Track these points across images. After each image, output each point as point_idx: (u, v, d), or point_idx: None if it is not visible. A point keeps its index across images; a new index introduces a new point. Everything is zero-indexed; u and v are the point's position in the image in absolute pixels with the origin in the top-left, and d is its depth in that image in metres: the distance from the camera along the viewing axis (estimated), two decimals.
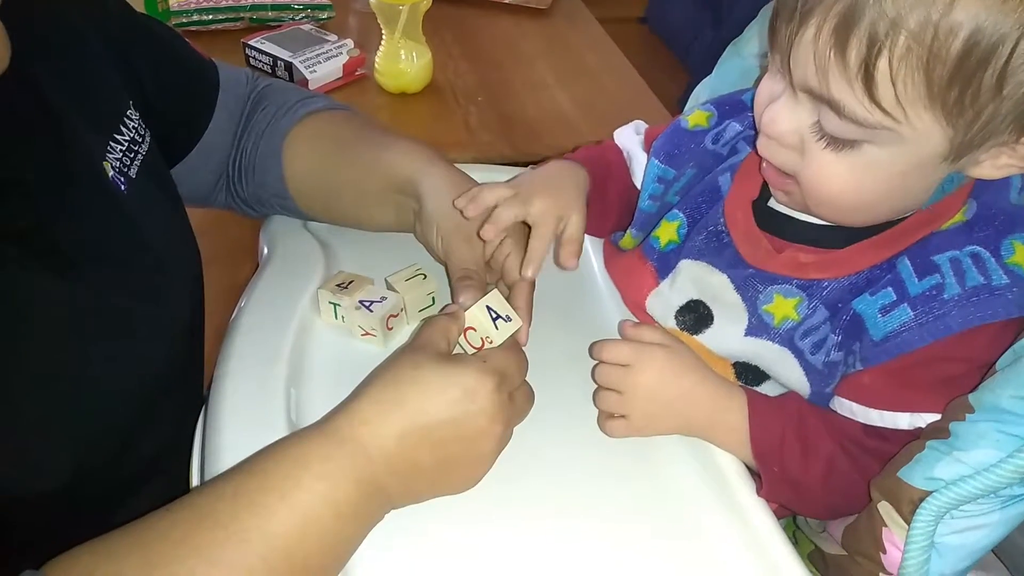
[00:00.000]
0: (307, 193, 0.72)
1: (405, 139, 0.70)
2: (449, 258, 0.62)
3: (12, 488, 0.50)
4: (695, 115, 0.68)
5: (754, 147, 0.62)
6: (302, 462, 0.44)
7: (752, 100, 0.57)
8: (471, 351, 0.55)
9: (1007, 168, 0.49)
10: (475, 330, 0.54)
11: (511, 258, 0.62)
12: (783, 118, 0.51)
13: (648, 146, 0.69)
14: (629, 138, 0.73)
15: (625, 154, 0.72)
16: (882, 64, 0.44)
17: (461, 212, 0.61)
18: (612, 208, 0.72)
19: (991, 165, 0.50)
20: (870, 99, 0.45)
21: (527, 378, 0.54)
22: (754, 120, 0.56)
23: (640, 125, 0.74)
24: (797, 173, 0.53)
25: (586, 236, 0.74)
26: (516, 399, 0.52)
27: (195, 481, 0.56)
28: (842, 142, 0.49)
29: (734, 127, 0.66)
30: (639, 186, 0.69)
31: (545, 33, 1.41)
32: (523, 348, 0.56)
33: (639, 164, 0.70)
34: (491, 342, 0.54)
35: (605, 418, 0.57)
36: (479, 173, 0.70)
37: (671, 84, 1.63)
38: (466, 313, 0.54)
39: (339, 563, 0.46)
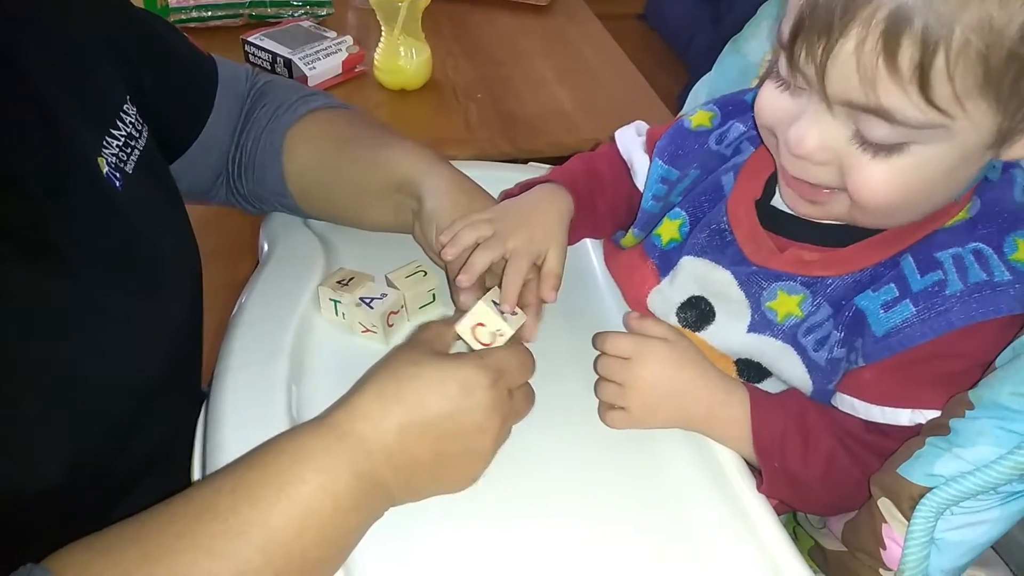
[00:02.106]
0: (306, 191, 0.72)
1: (405, 139, 0.70)
2: None
3: (11, 485, 0.49)
4: (698, 115, 0.67)
5: (757, 147, 0.62)
6: (302, 456, 0.45)
7: (754, 100, 0.56)
8: (479, 347, 0.55)
9: None
10: (484, 325, 0.54)
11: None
12: (812, 135, 0.49)
13: (650, 147, 0.69)
14: (630, 139, 0.72)
15: (625, 157, 0.72)
16: (939, 62, 0.43)
17: (439, 253, 0.61)
18: (604, 220, 0.71)
19: (1022, 145, 0.49)
20: (926, 101, 0.44)
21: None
22: (755, 122, 0.56)
23: (641, 126, 0.73)
24: (837, 185, 0.51)
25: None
26: (515, 397, 0.52)
27: (196, 477, 0.56)
28: (889, 148, 0.47)
29: (738, 128, 0.65)
30: (641, 188, 0.69)
31: (544, 30, 1.41)
32: (527, 346, 0.56)
33: (641, 166, 0.70)
34: (502, 335, 0.54)
35: (605, 409, 0.57)
36: (478, 170, 0.70)
37: (670, 81, 1.63)
38: (474, 308, 0.54)
39: (339, 557, 0.46)
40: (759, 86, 0.55)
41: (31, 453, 0.50)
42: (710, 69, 0.82)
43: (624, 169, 0.72)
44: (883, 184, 0.49)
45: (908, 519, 0.50)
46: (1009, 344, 0.50)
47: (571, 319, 0.66)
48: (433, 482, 0.49)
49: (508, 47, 1.34)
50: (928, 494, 0.49)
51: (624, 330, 0.62)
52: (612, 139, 0.74)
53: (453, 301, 0.59)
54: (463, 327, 0.54)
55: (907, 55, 0.43)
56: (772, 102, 0.52)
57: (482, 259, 0.60)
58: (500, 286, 0.61)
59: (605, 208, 0.71)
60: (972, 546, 0.51)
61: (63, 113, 0.54)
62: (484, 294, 0.57)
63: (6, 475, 0.49)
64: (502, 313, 0.55)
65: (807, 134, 0.49)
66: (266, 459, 0.45)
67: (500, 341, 0.54)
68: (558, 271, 0.62)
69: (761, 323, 0.58)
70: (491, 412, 0.49)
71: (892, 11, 0.43)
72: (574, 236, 0.68)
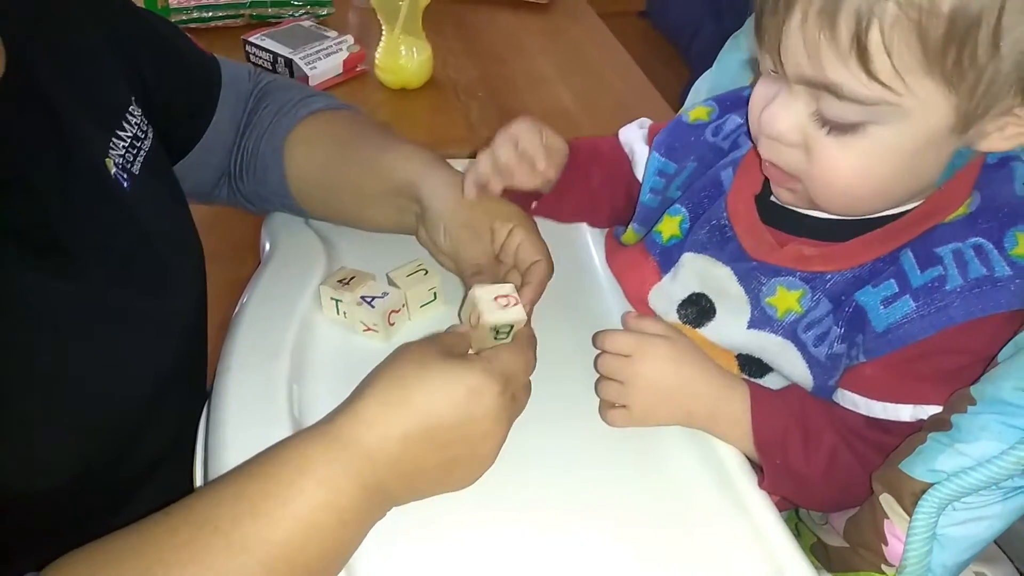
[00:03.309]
0: (308, 192, 0.72)
1: (405, 142, 0.70)
2: (459, 255, 0.63)
3: (17, 485, 0.50)
4: (696, 110, 0.68)
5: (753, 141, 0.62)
6: (304, 467, 0.44)
7: None
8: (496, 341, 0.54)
9: (1016, 138, 0.49)
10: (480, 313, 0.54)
11: (524, 243, 0.62)
12: (781, 116, 0.51)
13: (651, 139, 0.70)
14: (632, 132, 0.73)
15: (627, 148, 0.73)
16: (874, 35, 0.44)
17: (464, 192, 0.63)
18: (599, 194, 0.72)
19: (999, 136, 0.49)
20: (867, 74, 0.45)
21: None
22: (748, 122, 0.56)
23: (644, 121, 0.74)
24: (804, 170, 0.52)
25: (589, 231, 0.75)
26: (517, 398, 0.51)
27: (198, 476, 0.56)
28: (846, 127, 0.48)
29: (734, 120, 0.66)
30: (641, 179, 0.69)
31: (546, 28, 1.41)
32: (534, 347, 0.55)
33: (641, 156, 0.71)
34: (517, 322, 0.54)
35: (606, 408, 0.57)
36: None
37: (672, 78, 1.63)
38: (474, 293, 0.53)
39: (340, 565, 0.46)
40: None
41: (39, 455, 0.51)
42: (711, 66, 0.82)
43: (625, 158, 0.72)
44: (844, 166, 0.50)
45: (910, 515, 0.50)
46: (1011, 339, 0.50)
47: (573, 317, 0.66)
48: (435, 485, 0.49)
49: (509, 45, 1.34)
50: (930, 490, 0.49)
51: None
52: (616, 135, 0.75)
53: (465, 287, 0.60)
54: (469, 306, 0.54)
55: (844, 28, 0.44)
56: (757, 91, 0.54)
57: (503, 152, 0.63)
58: (517, 268, 0.62)
59: (600, 180, 0.71)
60: (974, 542, 0.51)
61: (70, 115, 0.54)
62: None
63: (15, 477, 0.49)
64: (503, 306, 0.55)
65: (777, 115, 0.51)
66: (268, 469, 0.44)
67: (504, 334, 0.54)
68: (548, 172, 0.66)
69: (761, 319, 0.58)
70: (499, 419, 0.48)
71: None
72: (569, 208, 0.69)
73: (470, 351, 0.53)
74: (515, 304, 0.53)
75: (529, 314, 0.57)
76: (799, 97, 0.50)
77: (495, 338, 0.53)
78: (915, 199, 0.55)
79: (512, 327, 0.53)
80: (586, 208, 0.73)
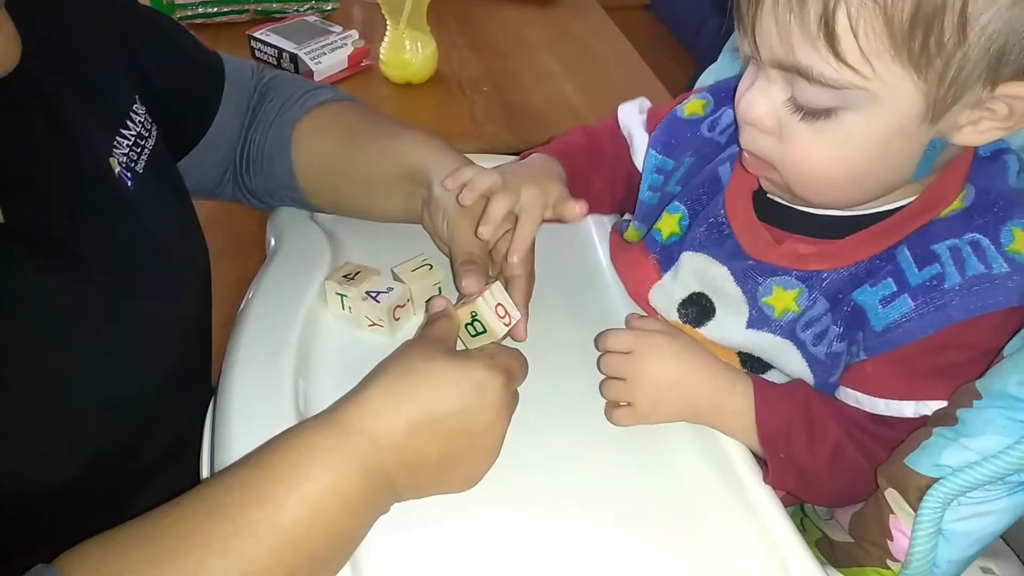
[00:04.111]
0: (315, 183, 0.72)
1: (413, 129, 0.70)
2: (454, 242, 0.63)
3: (25, 483, 0.50)
4: (691, 103, 0.68)
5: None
6: (310, 453, 0.44)
7: None
8: (470, 342, 0.56)
9: (990, 132, 0.49)
10: (477, 322, 0.55)
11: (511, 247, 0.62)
12: (757, 101, 0.51)
13: (650, 127, 0.69)
14: (631, 116, 0.73)
15: (626, 132, 0.72)
16: (841, 17, 0.44)
17: (457, 197, 0.61)
18: (601, 197, 0.72)
19: (973, 131, 0.49)
20: (835, 57, 0.45)
21: (531, 367, 0.54)
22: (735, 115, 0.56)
23: (644, 103, 0.74)
24: (779, 158, 0.53)
25: (593, 229, 0.75)
26: (515, 395, 0.52)
27: (205, 471, 0.57)
28: (818, 113, 0.49)
29: (730, 114, 0.65)
30: (639, 166, 0.69)
31: (550, 22, 1.41)
32: (522, 344, 0.56)
33: (640, 143, 0.71)
34: (493, 334, 0.55)
35: (611, 408, 0.57)
36: (484, 163, 0.70)
37: (677, 72, 1.62)
38: (476, 302, 0.55)
39: (346, 553, 0.46)
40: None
41: (45, 452, 0.51)
42: (717, 59, 0.81)
43: (625, 150, 0.72)
44: (812, 152, 0.50)
45: (915, 510, 0.50)
46: (1016, 333, 0.50)
47: (577, 315, 0.66)
48: (438, 480, 0.49)
49: (514, 40, 1.34)
50: (935, 484, 0.49)
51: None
52: (612, 117, 0.75)
53: (456, 286, 0.60)
54: (462, 313, 0.55)
55: (812, 9, 0.45)
56: (742, 80, 0.54)
57: (499, 207, 0.60)
58: (503, 272, 0.62)
59: (602, 186, 0.71)
60: (980, 537, 0.51)
61: (73, 114, 0.55)
62: (487, 278, 0.58)
63: (23, 474, 0.50)
64: (500, 316, 0.56)
65: (754, 100, 0.51)
66: (274, 457, 0.45)
67: (491, 338, 0.55)
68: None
69: (759, 319, 0.58)
70: (501, 412, 0.49)
71: None
72: None
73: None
74: (504, 318, 0.55)
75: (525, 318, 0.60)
76: (775, 83, 0.50)
77: (470, 334, 0.56)
78: (896, 192, 0.54)
79: (485, 330, 0.55)
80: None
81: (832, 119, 0.49)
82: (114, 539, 0.41)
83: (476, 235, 0.61)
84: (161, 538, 0.41)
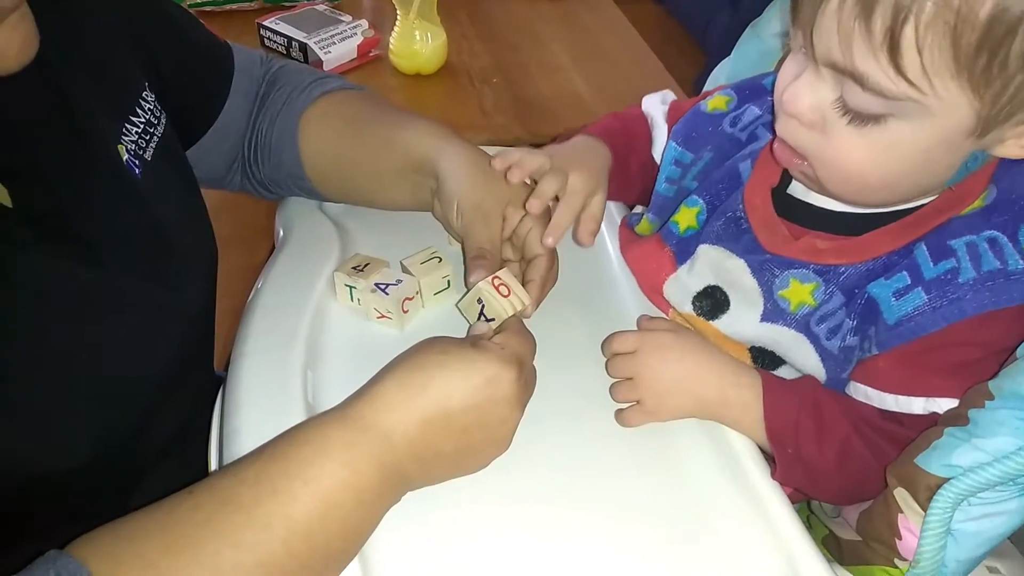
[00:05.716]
0: (323, 172, 0.72)
1: (421, 118, 0.70)
2: (467, 236, 0.62)
3: (34, 467, 0.50)
4: (715, 99, 0.68)
5: (773, 132, 0.62)
6: (325, 448, 0.44)
7: (773, 84, 0.56)
8: (474, 319, 0.57)
9: None
10: (484, 304, 0.56)
11: (533, 232, 0.62)
12: (804, 94, 0.50)
13: (671, 120, 0.69)
14: (655, 107, 0.73)
15: (649, 121, 0.73)
16: (908, 32, 0.43)
17: (505, 175, 0.62)
18: (635, 181, 0.73)
19: (1016, 144, 0.49)
20: (895, 69, 0.45)
21: (540, 362, 0.54)
22: (773, 103, 0.56)
23: (668, 95, 0.74)
24: (816, 153, 0.52)
25: (604, 222, 0.74)
26: (529, 382, 0.52)
27: (212, 461, 0.57)
28: (866, 117, 0.48)
29: (753, 111, 0.65)
30: (657, 158, 0.69)
31: (561, 14, 1.40)
32: (529, 328, 0.56)
33: (660, 134, 0.71)
34: (499, 317, 0.56)
35: (620, 410, 0.57)
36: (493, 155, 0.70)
37: (688, 65, 1.62)
38: (478, 287, 0.55)
39: (358, 545, 0.46)
40: (778, 69, 0.55)
41: (54, 437, 0.51)
42: (728, 53, 0.81)
43: (650, 133, 0.73)
44: (858, 155, 0.50)
45: (925, 509, 0.50)
46: None
47: (587, 308, 0.65)
48: (452, 469, 0.50)
49: (524, 31, 1.34)
50: (946, 484, 0.49)
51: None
52: (638, 106, 0.75)
53: (465, 281, 0.60)
54: (468, 300, 0.56)
55: (880, 19, 0.44)
56: (785, 67, 0.53)
57: (550, 186, 0.62)
58: (524, 254, 0.62)
59: (638, 167, 0.72)
60: (989, 537, 0.51)
61: (82, 101, 0.54)
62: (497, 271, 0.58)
63: (30, 457, 0.50)
64: (505, 296, 0.56)
65: (800, 93, 0.51)
66: (289, 450, 0.45)
67: (502, 316, 0.56)
68: (600, 215, 0.65)
69: (774, 312, 0.58)
70: (515, 404, 0.49)
71: None
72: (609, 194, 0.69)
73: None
74: (510, 296, 0.56)
75: (537, 302, 0.60)
76: (824, 81, 0.49)
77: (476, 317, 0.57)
78: (925, 196, 0.54)
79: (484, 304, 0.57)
80: (621, 193, 0.74)
81: (879, 125, 0.48)
82: (127, 526, 0.41)
83: (525, 208, 0.62)
84: (175, 527, 0.41)
